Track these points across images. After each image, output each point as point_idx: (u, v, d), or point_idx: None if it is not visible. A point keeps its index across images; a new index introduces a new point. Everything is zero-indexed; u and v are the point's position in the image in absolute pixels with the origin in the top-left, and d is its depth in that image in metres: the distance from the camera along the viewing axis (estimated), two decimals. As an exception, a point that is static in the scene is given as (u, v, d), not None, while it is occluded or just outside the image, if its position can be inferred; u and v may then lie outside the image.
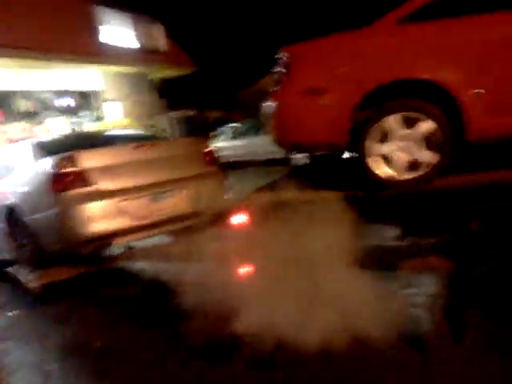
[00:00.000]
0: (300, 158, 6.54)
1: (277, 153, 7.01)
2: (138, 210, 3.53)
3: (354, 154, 4.09)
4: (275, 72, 4.11)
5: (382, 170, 3.81)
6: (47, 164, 3.46)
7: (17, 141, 7.06)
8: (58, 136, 5.94)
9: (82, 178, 3.39)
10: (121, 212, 3.44)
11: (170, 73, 14.88)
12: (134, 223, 3.51)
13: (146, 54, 13.44)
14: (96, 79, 12.86)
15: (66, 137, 5.69)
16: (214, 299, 2.46)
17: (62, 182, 3.35)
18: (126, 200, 3.49)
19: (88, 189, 3.39)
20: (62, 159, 3.42)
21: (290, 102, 3.99)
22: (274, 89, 4.10)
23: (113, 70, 12.99)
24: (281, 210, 3.37)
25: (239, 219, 3.73)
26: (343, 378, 1.93)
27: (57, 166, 3.39)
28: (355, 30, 3.88)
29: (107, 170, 3.50)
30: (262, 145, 8.55)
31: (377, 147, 3.80)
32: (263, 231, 3.10)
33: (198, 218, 3.67)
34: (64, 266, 3.50)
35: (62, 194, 3.34)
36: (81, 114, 12.74)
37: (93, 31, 12.27)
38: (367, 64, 3.75)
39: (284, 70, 3.93)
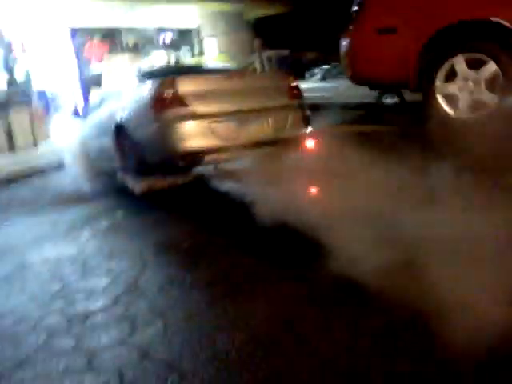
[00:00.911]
0: (389, 101, 6.59)
1: (366, 96, 6.92)
2: (225, 132, 3.89)
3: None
4: (352, 11, 4.36)
5: (449, 108, 4.02)
6: (149, 86, 3.98)
7: (121, 70, 7.80)
8: (159, 65, 6.47)
9: (178, 100, 3.77)
10: (210, 133, 3.83)
11: (264, 11, 15.03)
12: (222, 143, 3.85)
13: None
14: (194, 17, 13.46)
15: (166, 66, 6.26)
16: (291, 216, 2.69)
17: (161, 102, 3.78)
18: (215, 122, 3.86)
19: (184, 109, 3.77)
20: (163, 82, 3.88)
21: (361, 39, 4.24)
22: (349, 27, 4.37)
23: (210, 7, 13.47)
24: (354, 139, 3.68)
25: (316, 146, 4.16)
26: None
27: (158, 87, 3.86)
28: None
29: (201, 95, 3.85)
30: (349, 87, 8.57)
31: (444, 87, 4.00)
32: (337, 157, 3.39)
33: (280, 144, 4.08)
34: (162, 176, 3.99)
35: (162, 112, 3.78)
36: (180, 50, 13.55)
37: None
38: (436, 5, 3.88)
39: (358, 9, 4.18)
